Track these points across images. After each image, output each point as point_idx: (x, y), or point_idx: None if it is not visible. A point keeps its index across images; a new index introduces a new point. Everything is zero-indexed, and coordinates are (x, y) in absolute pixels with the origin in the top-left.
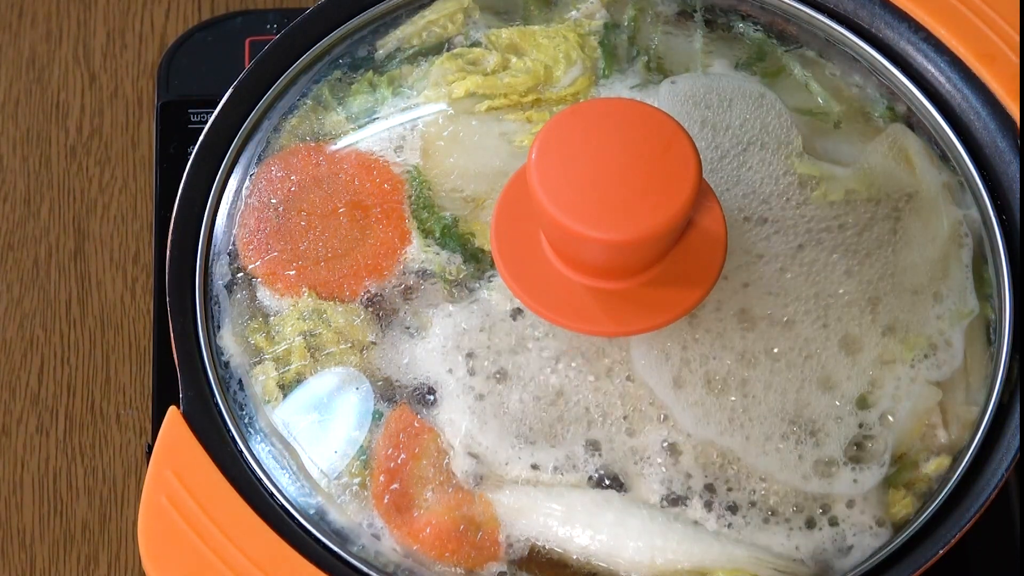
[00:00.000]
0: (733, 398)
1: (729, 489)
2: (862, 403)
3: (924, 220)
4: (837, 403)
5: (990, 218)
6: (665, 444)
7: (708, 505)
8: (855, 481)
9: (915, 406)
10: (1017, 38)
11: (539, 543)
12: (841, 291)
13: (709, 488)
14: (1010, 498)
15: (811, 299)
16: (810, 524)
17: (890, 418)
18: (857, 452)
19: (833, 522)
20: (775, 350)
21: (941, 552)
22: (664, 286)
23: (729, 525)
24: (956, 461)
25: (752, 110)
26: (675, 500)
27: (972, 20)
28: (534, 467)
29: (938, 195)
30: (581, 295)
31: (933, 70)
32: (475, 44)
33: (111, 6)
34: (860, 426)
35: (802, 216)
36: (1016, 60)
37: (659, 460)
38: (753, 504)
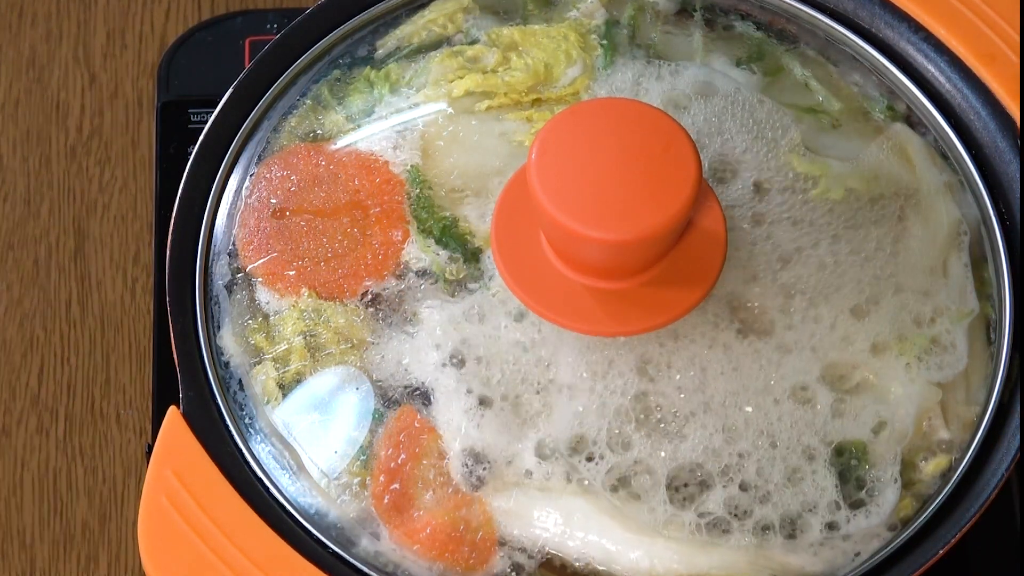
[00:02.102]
0: (725, 410)
1: (744, 513)
2: (863, 416)
3: (924, 220)
4: (841, 422)
5: (990, 218)
6: (669, 455)
7: (717, 524)
8: (878, 507)
9: (916, 408)
10: (1017, 38)
11: (537, 547)
12: (840, 292)
13: (717, 518)
14: (1010, 498)
15: (810, 300)
16: (827, 543)
17: (896, 425)
18: (868, 479)
19: (846, 538)
20: (770, 355)
21: (941, 552)
22: (664, 286)
23: (747, 542)
24: (956, 461)
25: (751, 107)
26: (679, 516)
27: (972, 20)
28: (529, 471)
29: (938, 195)
30: (581, 295)
31: (933, 70)
32: (474, 42)
33: (111, 6)
34: (862, 449)
35: (801, 215)
36: (1016, 60)
37: (663, 471)
38: (771, 528)
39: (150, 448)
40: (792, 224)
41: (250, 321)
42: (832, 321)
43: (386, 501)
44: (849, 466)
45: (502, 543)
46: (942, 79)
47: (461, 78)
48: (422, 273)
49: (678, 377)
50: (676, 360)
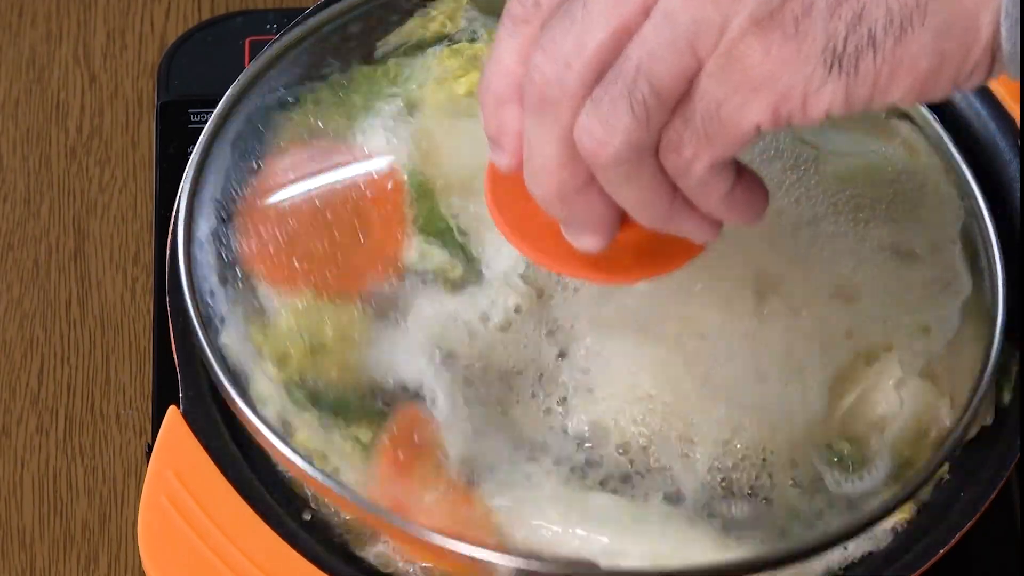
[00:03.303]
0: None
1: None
2: (854, 415)
3: (924, 217)
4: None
5: (984, 219)
6: (667, 461)
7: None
8: (880, 512)
9: (914, 410)
10: None
11: (538, 548)
12: (834, 286)
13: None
14: (1010, 498)
15: (803, 289)
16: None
17: (894, 428)
18: (868, 486)
19: (847, 541)
20: (760, 343)
21: (941, 552)
22: (668, 235)
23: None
24: (956, 462)
25: None
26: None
27: None
28: (528, 472)
29: (938, 193)
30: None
31: None
32: (475, 40)
33: (111, 6)
34: (859, 458)
35: (798, 200)
36: None
37: (667, 466)
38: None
39: (150, 448)
40: (787, 208)
41: (250, 321)
42: (823, 316)
43: (386, 500)
44: (847, 471)
45: (503, 544)
46: None
47: (462, 77)
48: (422, 273)
49: (674, 383)
50: (673, 361)
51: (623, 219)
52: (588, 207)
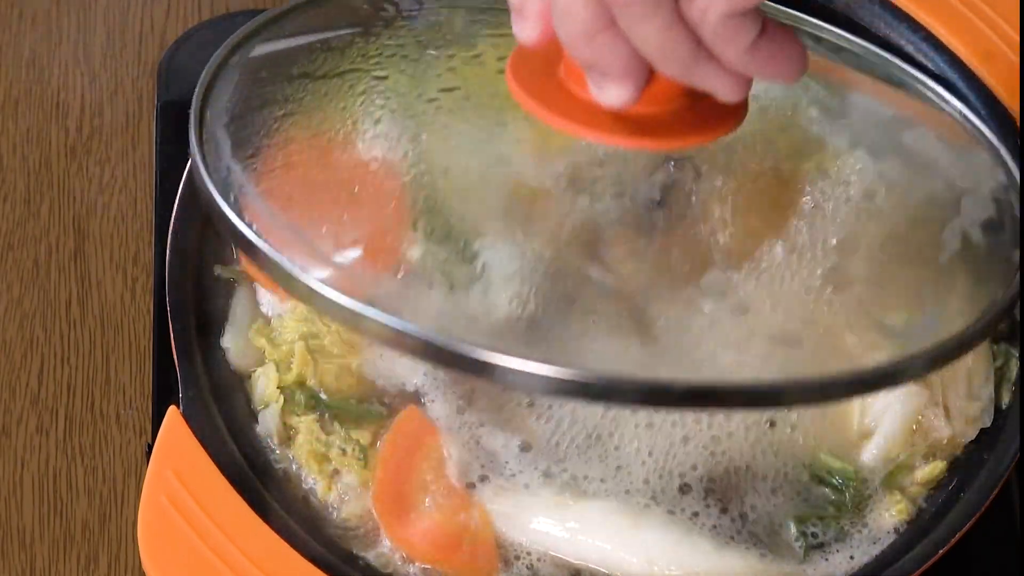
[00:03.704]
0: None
1: (742, 524)
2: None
3: (923, 214)
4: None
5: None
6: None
7: (718, 532)
8: (877, 514)
9: (903, 408)
10: (1016, 37)
11: (538, 550)
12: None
13: (716, 526)
14: (1010, 498)
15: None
16: (826, 549)
17: (884, 432)
18: (863, 488)
19: (846, 543)
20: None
21: (941, 552)
22: (702, 106)
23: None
24: (954, 462)
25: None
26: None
27: (972, 20)
28: (527, 482)
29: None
30: (612, 114)
31: (933, 70)
32: (478, 40)
33: (111, 6)
34: (853, 467)
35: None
36: (1016, 60)
37: (656, 474)
38: (768, 538)
39: (150, 448)
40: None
41: (250, 322)
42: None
43: (386, 503)
44: (844, 478)
45: (502, 547)
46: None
47: (466, 76)
48: (423, 273)
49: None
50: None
51: (652, 85)
52: (613, 49)
